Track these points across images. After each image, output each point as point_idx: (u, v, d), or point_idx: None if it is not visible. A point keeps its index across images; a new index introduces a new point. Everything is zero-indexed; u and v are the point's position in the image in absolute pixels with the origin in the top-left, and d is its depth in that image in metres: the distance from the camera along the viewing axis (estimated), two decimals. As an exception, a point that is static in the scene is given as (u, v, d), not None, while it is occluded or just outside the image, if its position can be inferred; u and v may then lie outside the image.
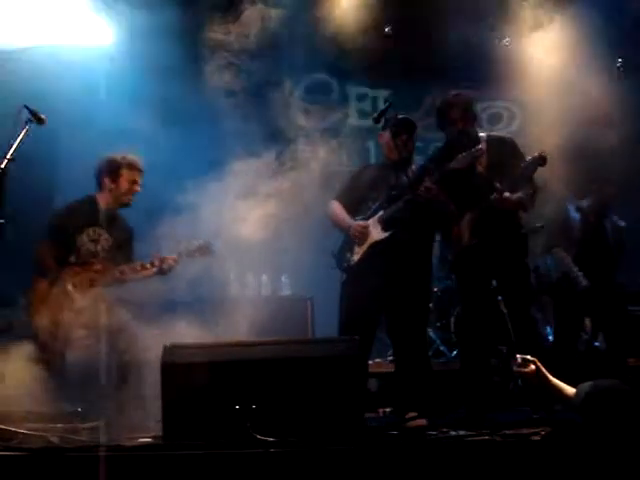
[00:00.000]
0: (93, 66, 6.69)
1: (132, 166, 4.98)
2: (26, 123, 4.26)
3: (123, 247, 4.97)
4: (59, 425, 4.06)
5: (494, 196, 4.55)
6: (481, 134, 4.86)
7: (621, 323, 5.53)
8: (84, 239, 4.85)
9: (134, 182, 4.98)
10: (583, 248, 5.61)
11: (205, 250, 4.98)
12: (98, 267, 4.82)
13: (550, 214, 5.63)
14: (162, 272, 4.91)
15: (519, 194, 4.64)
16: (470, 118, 4.80)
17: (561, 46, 7.06)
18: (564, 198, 5.83)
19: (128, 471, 3.36)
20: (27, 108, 4.29)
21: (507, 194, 4.56)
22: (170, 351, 3.74)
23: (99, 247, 4.87)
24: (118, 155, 5.01)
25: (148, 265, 4.86)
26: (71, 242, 4.82)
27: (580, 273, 5.52)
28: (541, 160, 4.55)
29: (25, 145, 4.21)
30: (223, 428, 3.55)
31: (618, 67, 7.74)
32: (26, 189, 5.87)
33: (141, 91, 6.54)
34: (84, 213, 4.89)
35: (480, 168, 4.75)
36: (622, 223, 5.92)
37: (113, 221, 4.99)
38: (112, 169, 4.96)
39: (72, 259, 4.82)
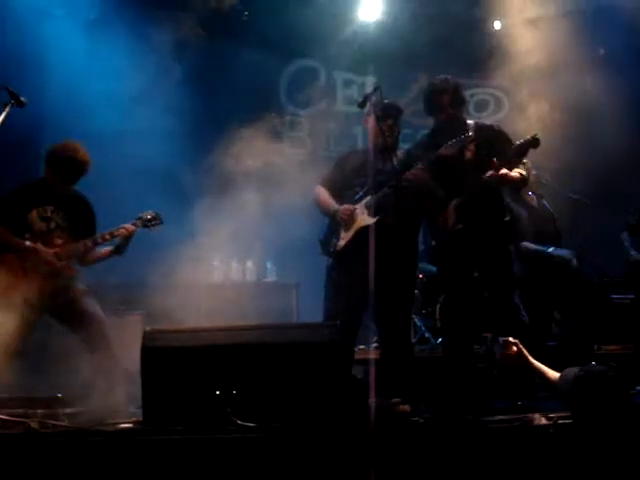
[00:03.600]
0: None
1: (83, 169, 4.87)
2: (6, 105, 4.21)
3: (83, 224, 4.90)
4: (39, 411, 4.03)
5: (490, 173, 4.52)
6: (469, 121, 4.84)
7: (582, 308, 5.60)
8: (34, 217, 4.76)
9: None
10: (539, 237, 5.67)
11: (157, 220, 5.01)
12: (59, 241, 4.77)
13: None
14: (118, 250, 4.91)
15: (516, 172, 4.64)
16: (458, 104, 4.78)
17: (549, 33, 7.05)
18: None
19: (108, 456, 3.35)
20: (7, 90, 4.23)
21: (505, 170, 4.55)
22: (150, 335, 3.71)
23: (52, 225, 4.79)
24: (70, 152, 4.83)
25: (107, 235, 4.84)
26: (22, 219, 4.73)
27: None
28: (534, 142, 4.55)
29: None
30: (203, 413, 3.53)
31: (601, 55, 7.78)
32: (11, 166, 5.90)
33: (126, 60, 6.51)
34: (33, 192, 4.80)
35: (468, 155, 4.73)
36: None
37: (68, 199, 4.89)
38: (60, 166, 4.82)
39: (28, 236, 4.73)
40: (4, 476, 3.31)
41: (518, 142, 4.59)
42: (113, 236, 4.85)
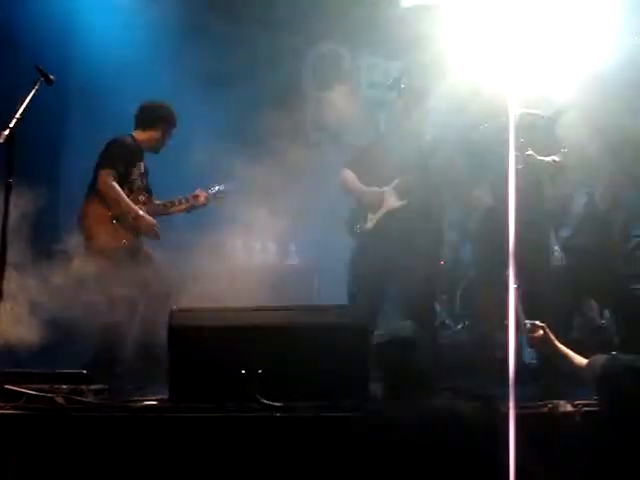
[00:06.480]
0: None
1: (170, 122, 5.13)
2: (35, 83, 4.22)
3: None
4: (64, 386, 4.06)
5: (525, 153, 4.50)
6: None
7: (626, 302, 5.54)
8: (135, 173, 5.00)
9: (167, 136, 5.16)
10: (580, 231, 5.60)
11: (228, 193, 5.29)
12: (143, 199, 5.03)
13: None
14: (192, 208, 5.23)
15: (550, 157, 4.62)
16: None
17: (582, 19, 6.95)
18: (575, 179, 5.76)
19: (133, 433, 3.37)
20: (37, 68, 4.24)
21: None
22: (177, 315, 3.73)
23: (145, 182, 5.07)
24: (159, 105, 5.15)
25: (184, 200, 5.16)
26: (127, 174, 4.93)
27: (559, 253, 5.53)
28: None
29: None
30: (229, 392, 3.54)
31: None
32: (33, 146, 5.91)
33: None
34: (135, 148, 5.02)
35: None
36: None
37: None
38: (152, 119, 5.09)
39: (126, 192, 4.92)
40: (30, 450, 3.34)
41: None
42: (188, 202, 5.17)
